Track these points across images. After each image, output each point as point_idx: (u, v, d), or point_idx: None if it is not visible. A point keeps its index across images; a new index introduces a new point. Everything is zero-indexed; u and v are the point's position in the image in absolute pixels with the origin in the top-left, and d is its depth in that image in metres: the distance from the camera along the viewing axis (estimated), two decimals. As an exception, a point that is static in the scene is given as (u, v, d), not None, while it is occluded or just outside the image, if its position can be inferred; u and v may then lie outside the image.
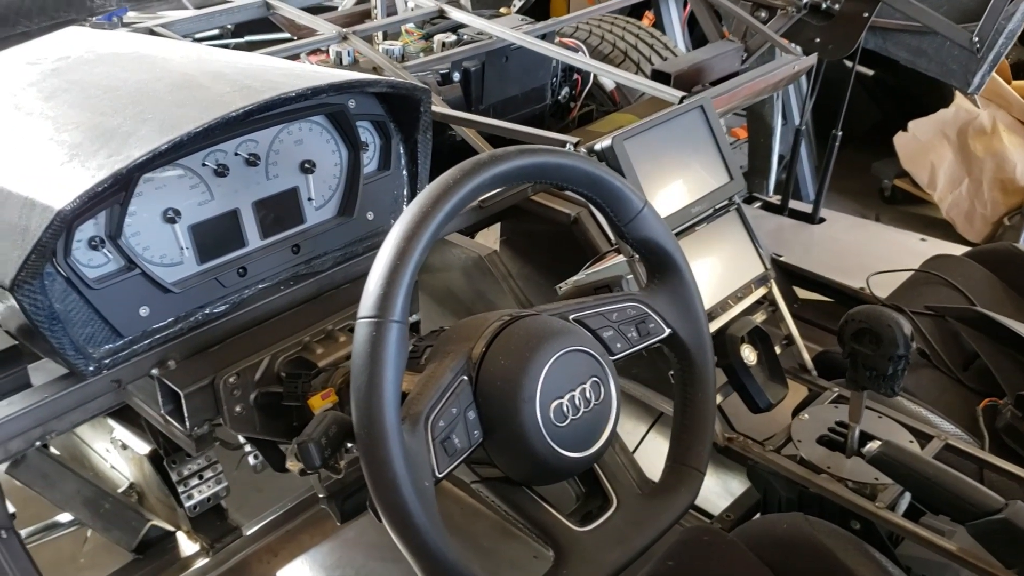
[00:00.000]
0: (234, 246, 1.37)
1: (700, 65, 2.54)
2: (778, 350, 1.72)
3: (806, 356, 1.79)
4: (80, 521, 1.88)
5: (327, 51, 2.09)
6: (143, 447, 1.79)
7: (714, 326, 1.64)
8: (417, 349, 1.17)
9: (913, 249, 2.81)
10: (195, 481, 1.76)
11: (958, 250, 2.85)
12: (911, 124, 4.18)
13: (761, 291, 1.75)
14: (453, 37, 2.18)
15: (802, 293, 2.71)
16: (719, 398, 1.65)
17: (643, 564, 1.38)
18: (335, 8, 2.74)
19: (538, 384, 1.04)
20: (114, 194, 1.18)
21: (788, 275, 2.70)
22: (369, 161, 1.52)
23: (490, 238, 2.17)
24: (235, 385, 1.30)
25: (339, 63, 2.06)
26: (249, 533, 2.00)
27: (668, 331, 1.24)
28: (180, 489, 1.75)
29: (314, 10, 2.54)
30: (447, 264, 1.84)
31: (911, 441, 1.57)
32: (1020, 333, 1.85)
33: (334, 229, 1.47)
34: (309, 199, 1.44)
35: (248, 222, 1.38)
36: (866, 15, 2.60)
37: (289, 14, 2.13)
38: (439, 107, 1.71)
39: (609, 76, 1.97)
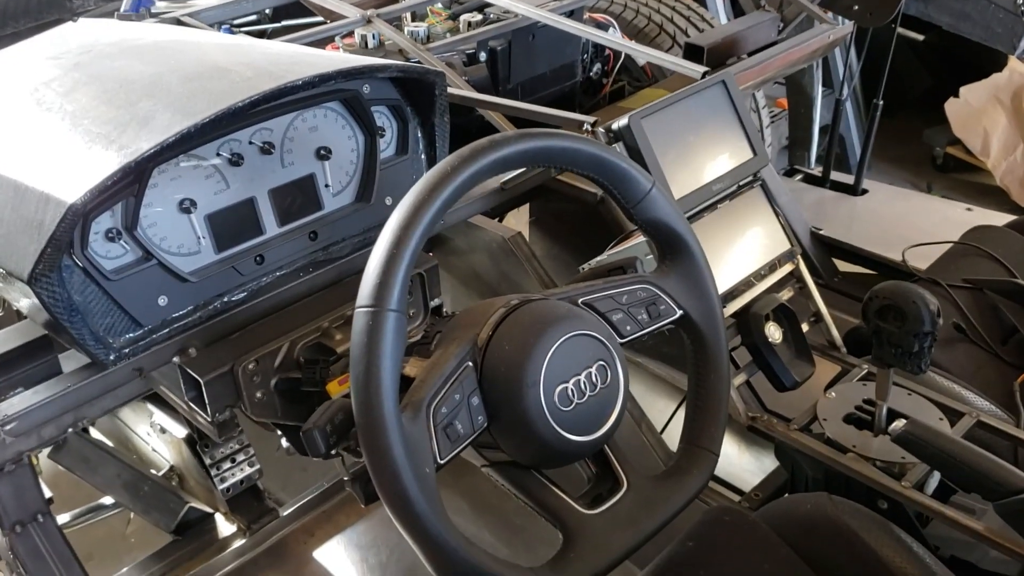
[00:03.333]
0: (251, 234, 1.39)
1: (734, 37, 2.49)
2: (806, 327, 1.70)
3: (835, 333, 1.76)
4: (122, 504, 1.92)
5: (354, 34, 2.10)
6: (180, 431, 1.83)
7: (738, 304, 1.62)
8: (428, 335, 1.17)
9: (958, 220, 2.74)
10: (227, 464, 1.79)
11: (1006, 220, 2.79)
12: (963, 90, 4.07)
13: (788, 267, 1.72)
14: (479, 16, 2.17)
15: (843, 266, 2.67)
16: (743, 376, 1.63)
17: (664, 544, 1.38)
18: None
19: (542, 368, 1.04)
20: (128, 186, 1.20)
21: (827, 248, 2.66)
22: (387, 146, 1.52)
23: (521, 218, 2.16)
24: (255, 371, 1.32)
25: (364, 47, 2.07)
26: (286, 514, 2.03)
27: (679, 312, 1.23)
28: (213, 472, 1.78)
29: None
30: (472, 246, 1.85)
31: (940, 419, 1.54)
32: (1062, 306, 1.80)
33: (352, 215, 1.48)
34: (326, 185, 1.45)
35: (265, 210, 1.39)
36: (906, -20, 2.54)
37: (315, -1, 2.14)
38: (457, 89, 1.70)
39: (633, 52, 1.94)
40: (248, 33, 2.80)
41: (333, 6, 2.11)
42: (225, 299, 1.37)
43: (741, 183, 1.67)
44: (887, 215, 2.81)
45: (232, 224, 1.36)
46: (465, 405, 1.03)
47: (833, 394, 1.60)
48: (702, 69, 1.75)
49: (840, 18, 2.81)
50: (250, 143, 1.35)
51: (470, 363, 1.05)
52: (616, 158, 1.15)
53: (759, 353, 1.60)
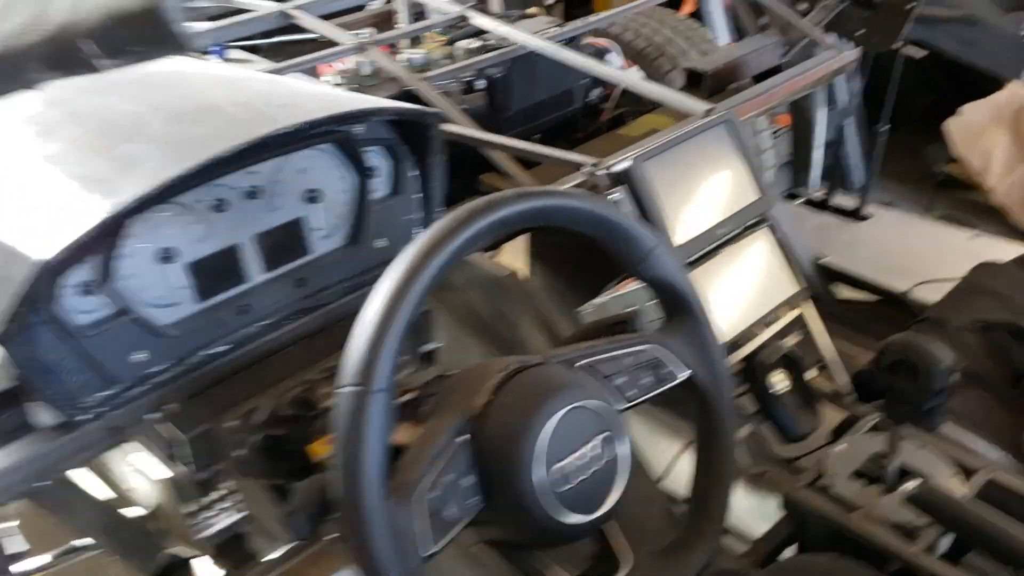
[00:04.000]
0: (235, 282, 1.32)
1: (737, 62, 2.45)
2: (813, 373, 1.64)
3: (843, 378, 1.70)
4: (101, 546, 1.85)
5: (352, 58, 2.04)
6: (163, 473, 1.76)
7: (744, 352, 1.56)
8: (421, 396, 1.12)
9: (964, 248, 2.69)
10: (212, 512, 1.72)
11: (1013, 246, 2.73)
12: (964, 108, 4.01)
13: (795, 312, 1.66)
14: (477, 43, 2.11)
15: (846, 291, 2.62)
16: (749, 427, 1.57)
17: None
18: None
19: (542, 445, 0.98)
20: (103, 239, 1.14)
21: (830, 277, 2.61)
22: (379, 186, 1.46)
23: (519, 246, 2.09)
24: (237, 429, 1.26)
25: (359, 74, 2.01)
26: (272, 558, 1.96)
27: (685, 374, 1.17)
28: (197, 519, 1.72)
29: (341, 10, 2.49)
30: (468, 282, 1.79)
31: (954, 475, 1.48)
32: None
33: (342, 259, 1.42)
34: (315, 229, 1.39)
35: (250, 256, 1.33)
36: (911, 5, 2.49)
37: (308, 24, 2.07)
38: (454, 126, 1.63)
39: (630, 86, 1.88)
40: (241, 48, 2.74)
41: (327, 31, 2.04)
42: (207, 352, 1.30)
43: (747, 225, 1.61)
44: (891, 242, 2.75)
45: (215, 272, 1.29)
46: (459, 486, 0.96)
47: (841, 446, 1.54)
48: (705, 106, 1.69)
49: (845, 41, 2.76)
50: (236, 188, 1.28)
51: (463, 438, 0.99)
52: (619, 217, 1.09)
53: (765, 403, 1.54)
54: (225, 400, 1.28)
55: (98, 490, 1.97)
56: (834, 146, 3.04)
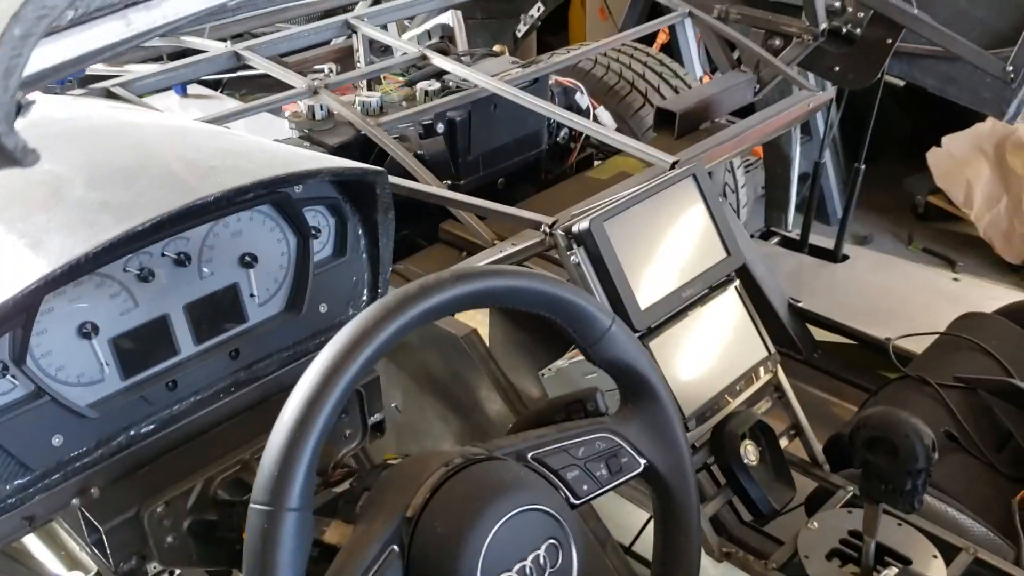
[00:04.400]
0: (163, 356, 1.22)
1: (708, 100, 2.37)
2: (785, 442, 1.55)
3: (816, 447, 1.61)
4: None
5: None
6: (84, 565, 1.66)
7: (712, 422, 1.47)
8: (355, 491, 1.03)
9: (945, 291, 2.61)
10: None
11: (993, 289, 2.67)
12: (945, 139, 3.97)
13: (766, 376, 1.57)
14: (437, 85, 2.02)
15: (821, 334, 2.54)
16: (717, 503, 1.48)
17: None
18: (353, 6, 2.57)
19: (480, 556, 0.88)
20: (16, 316, 1.04)
21: (807, 322, 2.53)
22: (322, 247, 1.37)
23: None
24: (164, 515, 1.16)
25: (312, 118, 1.92)
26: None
27: (643, 464, 1.08)
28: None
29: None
30: (423, 341, 1.69)
31: (935, 556, 1.39)
32: (1061, 413, 1.67)
33: (280, 327, 1.32)
34: (251, 295, 1.29)
35: (179, 327, 1.23)
36: (890, 41, 2.41)
37: (259, 65, 1.98)
38: (404, 181, 1.54)
39: (596, 135, 1.78)
40: (202, 83, 2.66)
41: (278, 73, 1.95)
42: (131, 432, 1.20)
43: (714, 286, 1.52)
44: (869, 285, 2.68)
45: (141, 347, 1.20)
46: None
47: (815, 524, 1.45)
48: (670, 159, 1.61)
49: (820, 80, 2.69)
50: (163, 255, 1.19)
51: (395, 547, 0.90)
52: (570, 294, 1.00)
53: (734, 476, 1.45)
54: (151, 484, 1.19)
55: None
56: (809, 179, 2.96)
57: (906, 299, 2.55)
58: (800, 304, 2.52)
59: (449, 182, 2.03)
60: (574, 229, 1.37)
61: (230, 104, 2.31)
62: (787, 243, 2.94)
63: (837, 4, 2.44)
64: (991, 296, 2.56)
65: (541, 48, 4.47)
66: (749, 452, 1.46)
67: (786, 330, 2.47)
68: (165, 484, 1.17)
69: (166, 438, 1.23)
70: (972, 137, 3.91)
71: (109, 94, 1.82)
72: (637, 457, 1.07)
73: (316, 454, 0.81)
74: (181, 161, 1.25)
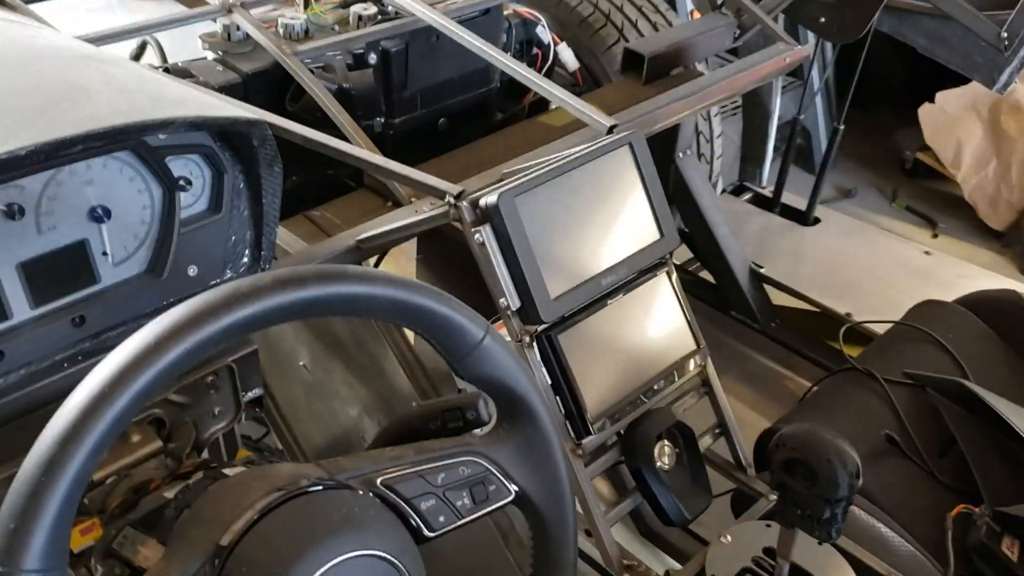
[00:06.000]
0: None
1: (683, 44, 2.18)
2: (709, 441, 1.42)
3: (743, 448, 1.48)
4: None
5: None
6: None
7: (625, 421, 1.33)
8: (178, 503, 0.89)
9: (915, 265, 2.47)
10: None
11: (964, 268, 2.52)
12: (939, 95, 3.78)
13: (694, 371, 1.43)
14: (373, 9, 1.83)
15: (782, 298, 2.41)
16: (628, 507, 1.36)
17: None
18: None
19: None
20: None
21: (767, 289, 2.39)
22: (194, 200, 1.20)
23: (405, 259, 1.84)
24: None
25: (228, 39, 1.73)
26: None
27: (514, 492, 0.94)
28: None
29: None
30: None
31: (852, 583, 1.27)
32: (1010, 422, 1.53)
33: (137, 291, 1.16)
34: (104, 253, 1.13)
35: (11, 289, 1.07)
36: (882, -7, 2.23)
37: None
38: (300, 129, 1.36)
39: (536, 87, 1.59)
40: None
41: (197, -13, 1.77)
42: None
43: (643, 269, 1.37)
44: (837, 252, 2.53)
45: None
46: None
47: (728, 538, 1.32)
48: (608, 123, 1.43)
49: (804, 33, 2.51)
50: None
51: None
52: (431, 302, 0.84)
53: (644, 484, 1.32)
54: None
55: None
56: (786, 146, 2.78)
57: (873, 270, 2.41)
58: (762, 270, 2.38)
59: (381, 120, 1.86)
60: (481, 203, 1.20)
61: (157, 15, 2.11)
62: (759, 200, 2.77)
63: (826, -51, 2.24)
64: (960, 274, 2.42)
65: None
66: (664, 455, 1.33)
67: (744, 297, 2.34)
68: None
69: None
70: (967, 95, 3.72)
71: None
72: (507, 484, 0.94)
73: (70, 503, 0.67)
74: (40, 88, 1.08)
